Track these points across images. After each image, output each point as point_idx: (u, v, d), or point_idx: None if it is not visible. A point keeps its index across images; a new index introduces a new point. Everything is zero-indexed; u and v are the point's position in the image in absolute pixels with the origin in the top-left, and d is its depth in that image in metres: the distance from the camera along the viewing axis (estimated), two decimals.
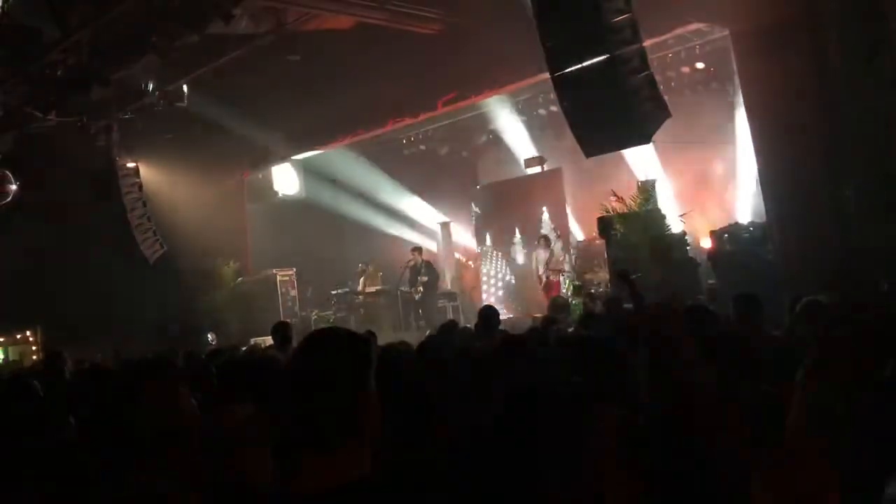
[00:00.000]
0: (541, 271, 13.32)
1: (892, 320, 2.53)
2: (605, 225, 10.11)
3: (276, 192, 16.84)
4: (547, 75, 7.98)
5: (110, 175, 13.36)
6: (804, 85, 8.43)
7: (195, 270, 15.02)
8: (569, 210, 14.55)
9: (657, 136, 7.70)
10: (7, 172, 13.23)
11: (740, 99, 10.27)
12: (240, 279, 15.76)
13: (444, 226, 17.02)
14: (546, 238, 13.48)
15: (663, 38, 10.89)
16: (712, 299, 8.86)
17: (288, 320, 10.89)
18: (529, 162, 15.07)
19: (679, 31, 10.85)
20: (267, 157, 16.22)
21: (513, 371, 3.53)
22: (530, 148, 15.25)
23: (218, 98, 12.70)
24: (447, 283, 16.30)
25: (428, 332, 10.21)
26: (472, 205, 16.35)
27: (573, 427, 2.31)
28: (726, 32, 10.39)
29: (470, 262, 16.96)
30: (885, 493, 1.60)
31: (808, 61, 8.44)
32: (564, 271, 13.00)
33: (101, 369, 5.52)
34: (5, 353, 13.81)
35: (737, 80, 10.23)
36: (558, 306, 10.93)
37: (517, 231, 15.19)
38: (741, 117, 10.69)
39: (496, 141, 15.94)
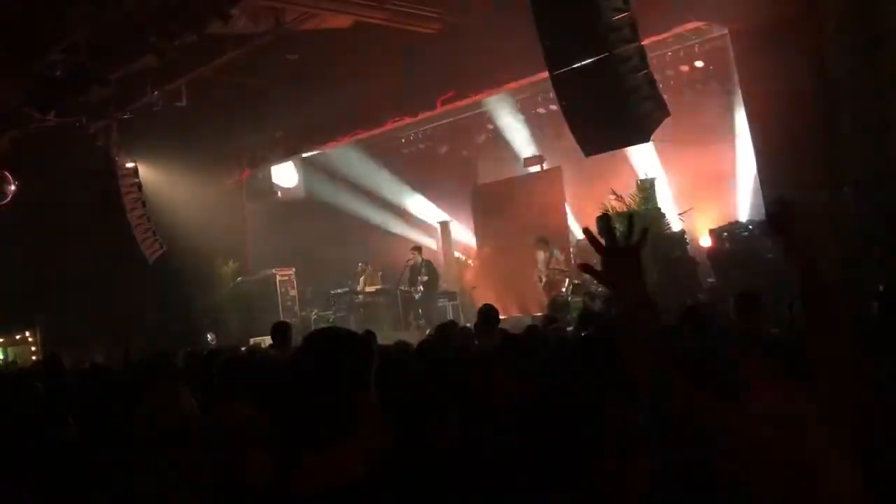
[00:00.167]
0: (540, 270, 13.31)
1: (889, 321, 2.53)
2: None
3: (275, 192, 16.83)
4: (546, 74, 7.99)
5: (110, 175, 13.36)
6: (803, 83, 8.42)
7: (195, 270, 15.01)
8: (568, 209, 14.54)
9: (656, 134, 7.71)
10: (6, 173, 13.25)
11: (739, 98, 10.26)
12: (239, 279, 15.75)
13: (444, 225, 17.01)
14: (544, 239, 13.48)
15: (662, 36, 10.88)
16: (712, 298, 8.88)
17: (287, 320, 10.88)
18: (529, 161, 15.06)
19: (678, 29, 10.84)
20: (266, 157, 16.22)
21: (514, 371, 3.53)
22: (530, 147, 15.25)
23: (217, 97, 12.70)
24: (447, 282, 16.29)
25: (428, 332, 10.22)
26: (472, 203, 16.34)
27: (579, 426, 2.30)
28: (725, 31, 10.39)
29: (470, 261, 16.94)
30: None
31: (807, 60, 8.43)
32: (564, 270, 12.98)
33: (100, 369, 5.53)
34: (4, 353, 13.82)
35: (736, 79, 10.23)
36: (558, 305, 10.95)
37: (517, 230, 15.18)
38: (740, 116, 10.68)
39: (496, 140, 15.92)
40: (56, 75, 10.81)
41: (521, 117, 15.06)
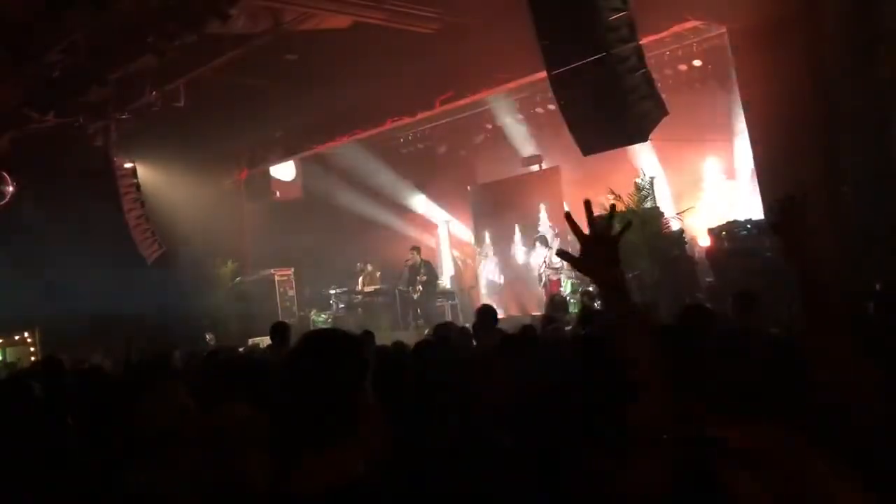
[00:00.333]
0: (540, 270, 13.33)
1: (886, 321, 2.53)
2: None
3: (274, 192, 16.82)
4: (544, 74, 7.99)
5: (108, 175, 13.35)
6: (801, 82, 8.43)
7: (194, 270, 15.01)
8: (567, 208, 14.54)
9: (655, 133, 7.72)
10: (5, 173, 13.24)
11: (738, 97, 10.27)
12: (238, 279, 15.76)
13: (443, 224, 17.02)
14: (543, 238, 13.50)
15: (660, 36, 10.88)
16: (711, 297, 8.88)
17: (286, 320, 10.88)
18: (527, 160, 15.08)
19: (676, 28, 10.83)
20: (265, 157, 16.21)
21: (513, 371, 3.53)
22: (528, 146, 15.25)
23: (216, 98, 12.68)
24: (446, 282, 16.30)
25: (427, 332, 10.22)
26: (471, 203, 16.35)
27: (578, 426, 2.31)
28: (723, 30, 10.39)
29: (469, 261, 16.95)
30: None
31: (805, 58, 8.44)
32: (564, 270, 12.99)
33: (100, 370, 5.53)
34: (3, 354, 13.80)
35: (734, 78, 10.24)
36: (557, 304, 10.94)
37: (516, 229, 15.19)
38: (739, 115, 10.69)
39: (494, 139, 15.93)
40: (55, 75, 10.80)
41: (519, 117, 15.07)
